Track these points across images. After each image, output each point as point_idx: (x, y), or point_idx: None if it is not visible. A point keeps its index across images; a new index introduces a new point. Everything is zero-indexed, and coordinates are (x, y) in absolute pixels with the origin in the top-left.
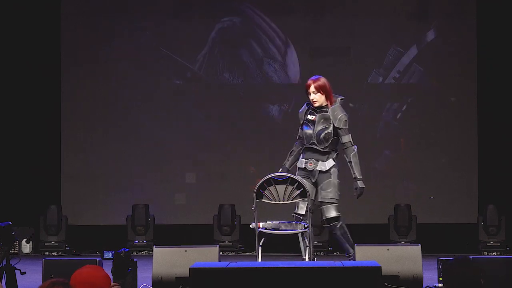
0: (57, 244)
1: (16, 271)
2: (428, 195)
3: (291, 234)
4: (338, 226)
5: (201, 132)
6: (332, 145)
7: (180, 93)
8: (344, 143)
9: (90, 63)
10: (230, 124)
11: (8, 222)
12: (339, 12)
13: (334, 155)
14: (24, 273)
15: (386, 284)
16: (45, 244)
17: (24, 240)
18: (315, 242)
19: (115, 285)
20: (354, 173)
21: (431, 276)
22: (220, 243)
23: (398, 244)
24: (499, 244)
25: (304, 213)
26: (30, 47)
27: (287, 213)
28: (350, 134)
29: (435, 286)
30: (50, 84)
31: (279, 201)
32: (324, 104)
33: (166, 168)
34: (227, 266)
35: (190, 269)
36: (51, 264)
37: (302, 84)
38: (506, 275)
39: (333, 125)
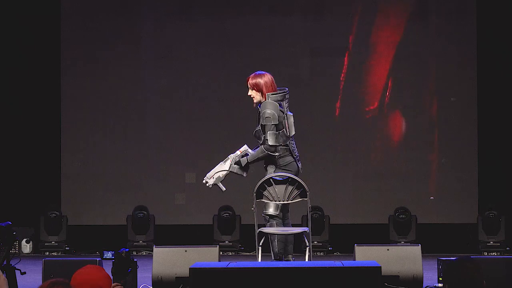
0: (57, 244)
1: (16, 271)
2: (428, 195)
3: (291, 234)
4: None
5: (201, 132)
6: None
7: (180, 93)
8: (263, 139)
9: (90, 63)
10: (230, 124)
11: (8, 222)
12: (339, 12)
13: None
14: (24, 273)
15: (386, 284)
16: (45, 244)
17: (24, 240)
18: (315, 242)
19: (117, 285)
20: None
21: (431, 276)
22: (220, 243)
23: (398, 244)
24: (499, 244)
25: (272, 213)
26: (30, 47)
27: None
28: (271, 132)
29: (435, 286)
30: (50, 84)
31: (279, 201)
32: (261, 101)
33: (166, 168)
34: (227, 266)
35: (190, 269)
36: (51, 264)
37: (302, 85)
38: (506, 275)
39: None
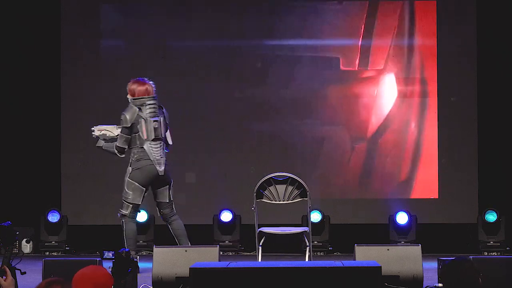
0: (57, 244)
1: (16, 271)
2: (428, 195)
3: (291, 234)
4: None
5: (201, 132)
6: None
7: (180, 93)
8: None
9: (90, 63)
10: (230, 124)
11: (9, 222)
12: (338, 13)
13: (130, 153)
14: (24, 273)
15: (386, 284)
16: (45, 244)
17: (24, 240)
18: (315, 242)
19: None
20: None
21: (431, 276)
22: (220, 243)
23: (398, 244)
24: (499, 244)
25: (124, 212)
26: (30, 47)
27: (287, 213)
28: (120, 134)
29: (435, 286)
30: (50, 84)
31: (279, 201)
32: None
33: None
34: (227, 266)
35: (190, 269)
36: (51, 264)
37: (302, 85)
38: (506, 275)
39: None
